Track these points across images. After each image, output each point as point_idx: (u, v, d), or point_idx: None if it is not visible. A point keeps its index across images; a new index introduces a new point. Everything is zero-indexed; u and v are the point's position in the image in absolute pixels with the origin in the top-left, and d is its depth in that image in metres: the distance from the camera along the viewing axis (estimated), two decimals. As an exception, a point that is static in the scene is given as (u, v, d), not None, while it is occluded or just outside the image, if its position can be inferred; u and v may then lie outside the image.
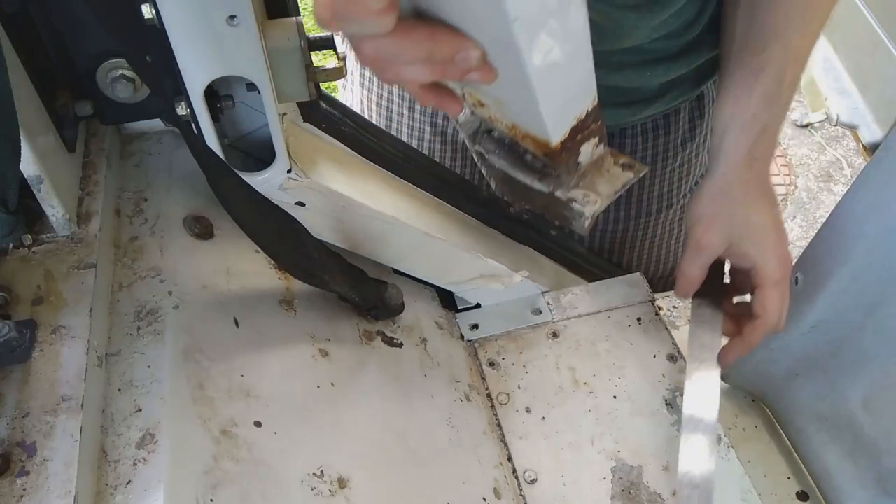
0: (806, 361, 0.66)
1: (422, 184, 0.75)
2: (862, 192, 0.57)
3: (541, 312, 0.82)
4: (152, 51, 0.52)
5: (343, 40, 0.65)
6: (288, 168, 0.62)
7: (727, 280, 0.72)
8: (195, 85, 0.54)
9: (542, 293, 0.83)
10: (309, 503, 0.54)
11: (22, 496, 0.43)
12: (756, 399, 0.75)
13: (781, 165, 2.35)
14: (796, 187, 2.30)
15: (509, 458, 0.71)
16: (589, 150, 0.52)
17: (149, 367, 0.52)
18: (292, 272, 0.65)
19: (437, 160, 0.93)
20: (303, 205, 0.65)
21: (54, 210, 0.56)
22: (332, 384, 0.63)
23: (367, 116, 0.95)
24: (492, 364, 0.78)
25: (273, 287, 0.67)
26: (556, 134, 0.47)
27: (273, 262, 0.68)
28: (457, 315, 0.83)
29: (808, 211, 2.24)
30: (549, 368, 0.77)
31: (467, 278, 0.78)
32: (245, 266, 0.66)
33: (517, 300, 0.82)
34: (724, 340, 0.78)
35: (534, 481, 0.69)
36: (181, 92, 0.54)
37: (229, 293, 0.62)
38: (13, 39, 0.52)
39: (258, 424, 0.55)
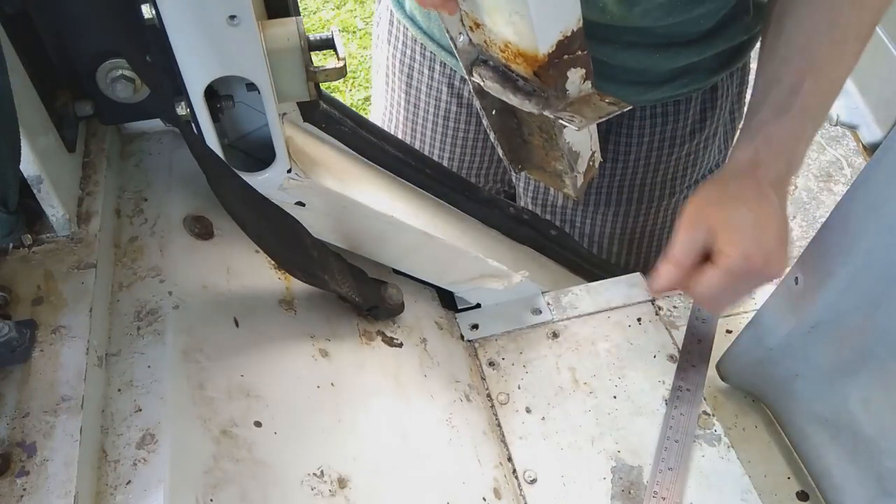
0: (806, 361, 0.66)
1: (421, 184, 0.75)
2: (862, 192, 0.57)
3: (541, 312, 0.82)
4: (152, 51, 0.52)
5: None
6: (288, 168, 0.62)
7: None
8: (195, 85, 0.54)
9: (542, 293, 0.83)
10: (309, 503, 0.54)
11: (22, 496, 0.43)
12: (756, 399, 0.75)
13: (781, 165, 2.36)
14: (796, 187, 2.30)
15: (509, 458, 0.71)
16: (576, 81, 0.55)
17: (149, 367, 0.52)
18: (292, 272, 0.65)
19: (452, 122, 0.94)
20: (303, 205, 0.65)
21: (54, 210, 0.56)
22: (332, 384, 0.63)
23: (389, 73, 0.96)
24: (492, 364, 0.78)
25: (273, 287, 0.67)
26: (543, 43, 0.51)
27: (273, 262, 0.68)
28: (457, 315, 0.83)
29: (808, 211, 2.24)
30: (549, 368, 0.77)
31: (467, 278, 0.78)
32: (245, 266, 0.66)
33: (517, 300, 0.82)
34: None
35: (534, 481, 0.69)
36: (181, 92, 0.54)
37: (229, 293, 0.62)
38: (13, 39, 0.52)
39: (258, 424, 0.55)
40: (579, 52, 0.54)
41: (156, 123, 0.69)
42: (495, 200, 0.80)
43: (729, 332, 0.81)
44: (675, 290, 0.71)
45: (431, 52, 0.89)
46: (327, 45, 0.58)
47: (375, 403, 0.66)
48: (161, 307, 0.56)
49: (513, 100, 0.57)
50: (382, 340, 0.72)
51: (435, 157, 0.98)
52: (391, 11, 0.92)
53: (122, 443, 0.48)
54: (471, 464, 0.68)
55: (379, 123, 1.04)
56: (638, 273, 0.86)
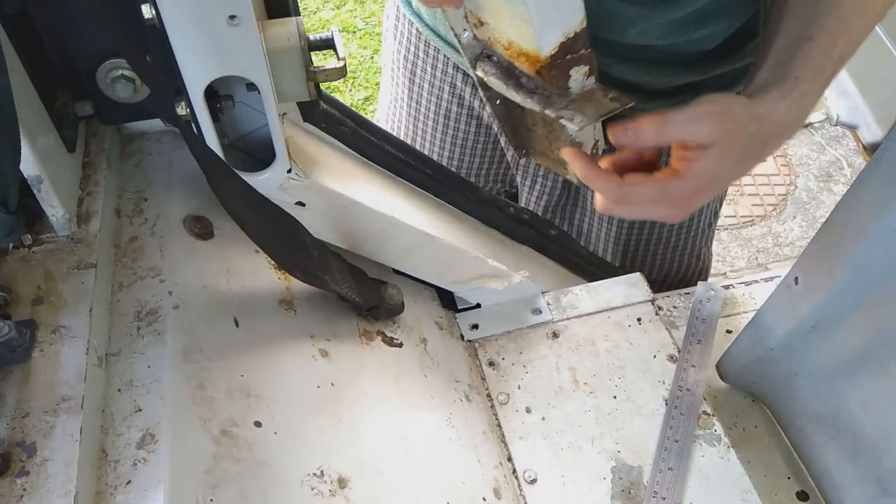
0: (806, 361, 0.66)
1: (422, 184, 0.75)
2: (862, 192, 0.57)
3: (541, 312, 0.82)
4: (152, 51, 0.52)
5: None
6: (288, 168, 0.62)
7: None
8: (195, 85, 0.54)
9: (542, 293, 0.83)
10: (309, 503, 0.54)
11: (22, 496, 0.43)
12: (756, 399, 0.75)
13: (781, 165, 2.35)
14: (796, 187, 2.30)
15: (509, 458, 0.71)
16: (579, 79, 0.55)
17: (149, 367, 0.52)
18: (292, 272, 0.65)
19: (453, 122, 0.94)
20: (303, 205, 0.65)
21: (54, 210, 0.56)
22: (332, 384, 0.63)
23: (394, 67, 0.96)
24: (492, 364, 0.78)
25: (273, 287, 0.67)
26: (546, 45, 0.51)
27: (273, 262, 0.68)
28: (457, 315, 0.83)
29: (808, 211, 2.24)
30: (549, 368, 0.77)
31: (467, 278, 0.78)
32: (245, 266, 0.66)
33: (517, 300, 0.82)
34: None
35: (534, 481, 0.69)
36: (181, 92, 0.54)
37: (229, 293, 0.62)
38: (13, 39, 0.52)
39: (258, 424, 0.55)
40: (582, 51, 0.54)
41: (156, 123, 0.69)
42: (495, 200, 0.80)
43: (729, 332, 0.81)
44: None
45: (435, 50, 0.89)
46: (327, 45, 0.58)
47: (375, 403, 0.66)
48: (161, 307, 0.56)
49: (515, 97, 0.57)
50: (382, 340, 0.72)
51: (435, 155, 0.98)
52: (398, 7, 0.92)
53: (122, 443, 0.48)
54: (471, 464, 0.68)
55: (383, 117, 1.04)
56: (638, 273, 0.86)
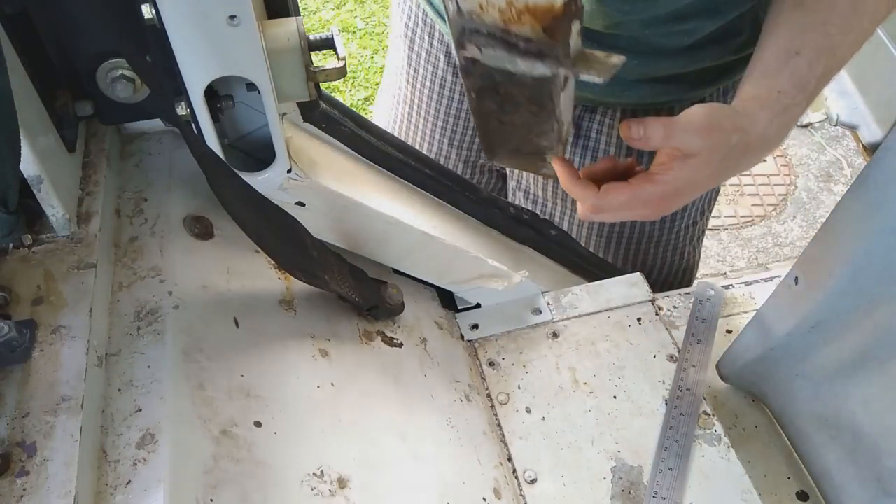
0: (806, 361, 0.66)
1: (422, 184, 0.75)
2: (862, 192, 0.57)
3: (541, 312, 0.82)
4: (152, 51, 0.52)
5: None
6: (288, 168, 0.62)
7: None
8: (195, 85, 0.54)
9: (542, 293, 0.83)
10: (309, 503, 0.54)
11: (22, 496, 0.43)
12: (756, 399, 0.75)
13: (781, 165, 2.35)
14: (796, 187, 2.30)
15: (509, 458, 0.71)
16: (575, 37, 0.52)
17: (149, 367, 0.52)
18: (292, 272, 0.65)
19: (448, 91, 0.94)
20: (303, 205, 0.65)
21: (54, 210, 0.56)
22: (332, 384, 0.63)
23: (396, 35, 0.97)
24: (492, 364, 0.78)
25: (273, 287, 0.67)
26: None
27: (273, 262, 0.68)
28: (457, 315, 0.83)
29: (808, 211, 2.24)
30: (549, 368, 0.77)
31: (467, 278, 0.78)
32: (245, 266, 0.66)
33: (517, 300, 0.82)
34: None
35: (534, 481, 0.69)
36: (181, 92, 0.54)
37: (229, 293, 0.62)
38: (13, 39, 0.52)
39: (258, 424, 0.55)
40: (580, 2, 0.51)
41: (156, 123, 0.69)
42: (495, 200, 0.80)
43: (729, 332, 0.81)
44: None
45: (432, 20, 0.89)
46: (327, 45, 0.58)
47: (375, 403, 0.66)
48: (161, 307, 0.56)
49: (520, 66, 0.54)
50: (382, 340, 0.72)
51: (430, 125, 0.99)
52: None
53: (122, 443, 0.48)
54: (471, 464, 0.68)
55: (386, 83, 1.06)
56: (638, 273, 0.86)
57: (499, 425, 0.73)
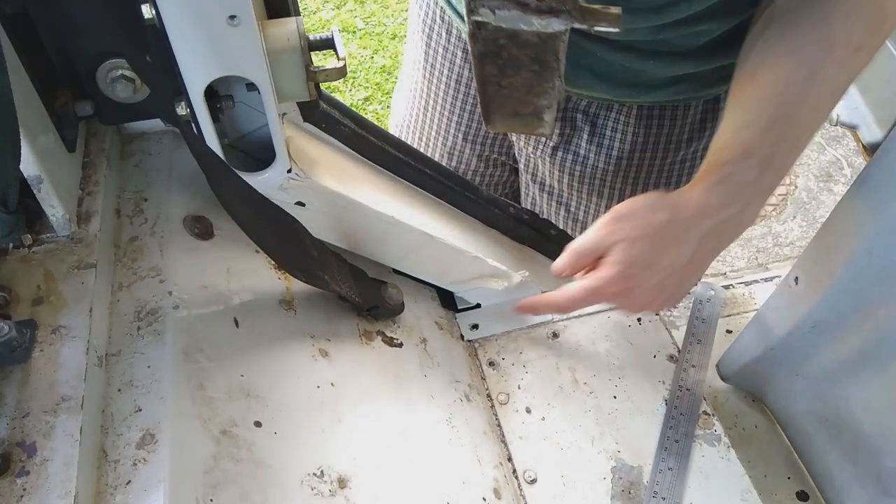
0: (806, 361, 0.66)
1: (422, 184, 0.75)
2: (862, 192, 0.57)
3: (541, 312, 0.82)
4: (152, 51, 0.52)
5: None
6: (288, 168, 0.62)
7: None
8: (195, 85, 0.54)
9: (542, 293, 0.83)
10: (309, 503, 0.54)
11: (22, 496, 0.43)
12: (756, 399, 0.75)
13: (781, 165, 2.35)
14: (796, 187, 2.30)
15: (509, 458, 0.71)
16: None
17: (149, 367, 0.52)
18: (292, 272, 0.65)
19: (464, 87, 0.95)
20: (303, 205, 0.65)
21: (54, 210, 0.56)
22: (332, 384, 0.63)
23: (414, 31, 0.98)
24: (492, 364, 0.78)
25: (273, 287, 0.67)
26: None
27: (273, 262, 0.68)
28: (457, 315, 0.83)
29: (808, 211, 2.24)
30: (549, 368, 0.77)
31: (467, 278, 0.78)
32: (245, 266, 0.66)
33: (517, 300, 0.82)
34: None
35: (534, 481, 0.69)
36: (181, 92, 0.54)
37: (229, 293, 0.62)
38: (13, 39, 0.52)
39: (258, 424, 0.55)
40: None
41: (156, 123, 0.69)
42: (495, 200, 0.80)
43: (729, 332, 0.81)
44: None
45: (450, 17, 0.90)
46: (327, 45, 0.58)
47: (375, 403, 0.66)
48: (161, 307, 0.56)
49: (536, 24, 0.55)
50: (382, 340, 0.72)
51: (445, 119, 1.00)
52: None
53: (122, 443, 0.48)
54: (471, 464, 0.68)
55: (403, 80, 1.07)
56: (638, 273, 0.86)
57: (499, 425, 0.73)
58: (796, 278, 0.64)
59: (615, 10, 0.53)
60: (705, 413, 0.73)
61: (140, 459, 0.47)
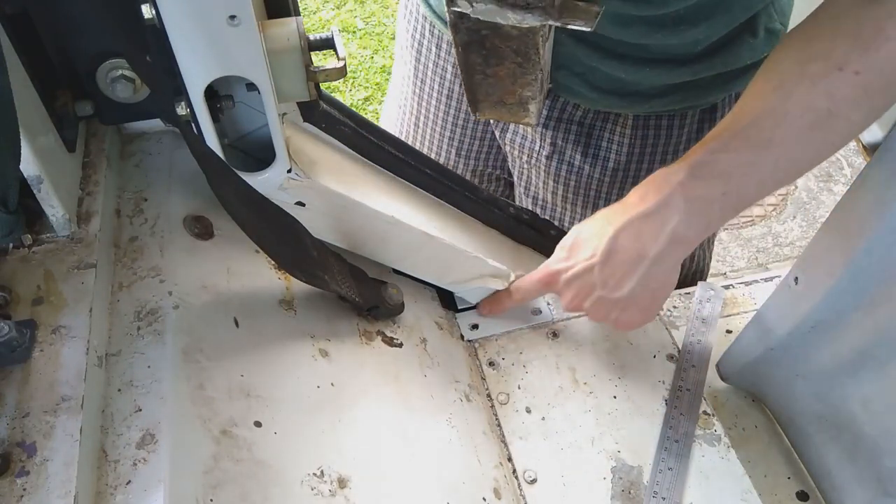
0: (806, 361, 0.66)
1: (422, 184, 0.75)
2: (862, 192, 0.57)
3: (541, 312, 0.82)
4: (152, 51, 0.52)
5: None
6: (288, 168, 0.62)
7: None
8: (195, 85, 0.54)
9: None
10: (309, 503, 0.54)
11: (22, 496, 0.43)
12: (756, 399, 0.75)
13: (781, 165, 2.35)
14: (796, 187, 2.30)
15: (509, 458, 0.71)
16: None
17: (149, 367, 0.52)
18: (292, 272, 0.65)
19: (455, 101, 0.94)
20: (303, 205, 0.65)
21: (54, 210, 0.56)
22: (332, 384, 0.63)
23: (403, 47, 0.98)
24: (492, 364, 0.78)
25: (273, 287, 0.67)
26: None
27: (273, 262, 0.68)
28: (457, 315, 0.83)
29: (808, 211, 2.24)
30: (549, 368, 0.77)
31: (467, 278, 0.78)
32: (245, 266, 0.66)
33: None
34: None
35: (534, 481, 0.69)
36: (181, 92, 0.54)
37: (229, 293, 0.62)
38: (13, 39, 0.52)
39: (258, 424, 0.55)
40: None
41: (156, 123, 0.69)
42: (495, 200, 0.80)
43: (729, 332, 0.81)
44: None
45: (440, 31, 0.89)
46: (327, 45, 0.58)
47: (375, 403, 0.66)
48: (161, 307, 0.56)
49: (511, 18, 0.55)
50: (382, 340, 0.72)
51: (437, 134, 0.99)
52: None
53: (122, 443, 0.48)
54: (471, 464, 0.68)
55: (392, 96, 1.06)
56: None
57: (499, 425, 0.73)
58: (796, 278, 0.64)
59: (595, 8, 0.53)
60: (705, 413, 0.73)
61: (140, 459, 0.47)
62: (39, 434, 0.46)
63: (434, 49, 0.92)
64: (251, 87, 0.55)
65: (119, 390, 0.51)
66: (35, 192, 0.54)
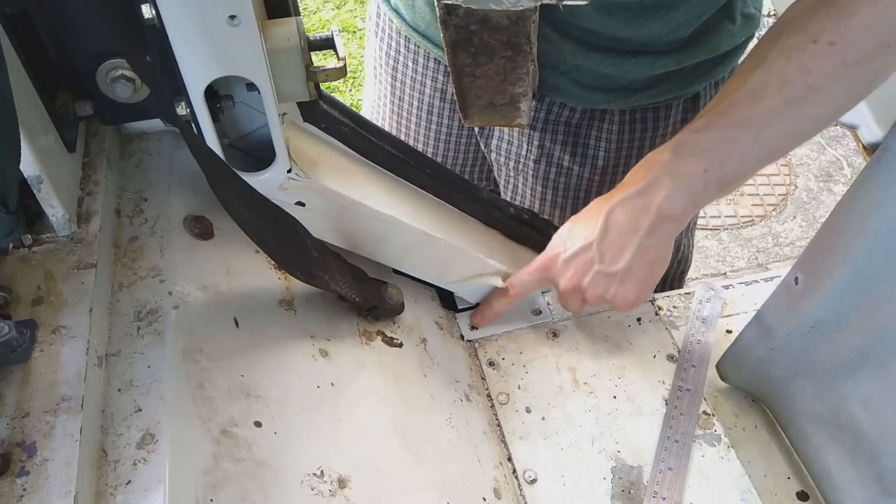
0: (806, 361, 0.66)
1: (422, 184, 0.75)
2: (862, 192, 0.57)
3: (541, 312, 0.82)
4: (152, 51, 0.52)
5: None
6: (288, 168, 0.62)
7: None
8: (195, 85, 0.54)
9: (542, 293, 0.83)
10: (309, 503, 0.54)
11: (22, 496, 0.43)
12: (756, 399, 0.75)
13: (781, 165, 2.35)
14: (796, 187, 2.30)
15: (509, 458, 0.71)
16: None
17: (149, 367, 0.52)
18: (292, 272, 0.65)
19: (436, 117, 0.94)
20: (303, 205, 0.65)
21: (54, 210, 0.56)
22: (332, 384, 0.63)
23: (376, 65, 0.97)
24: (492, 364, 0.78)
25: (273, 287, 0.67)
26: None
27: (273, 262, 0.68)
28: (457, 315, 0.83)
29: (808, 211, 2.24)
30: (549, 368, 0.77)
31: (467, 278, 0.78)
32: (245, 266, 0.66)
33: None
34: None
35: (534, 481, 0.69)
36: (181, 92, 0.54)
37: (229, 293, 0.62)
38: (13, 39, 0.52)
39: (258, 424, 0.55)
40: None
41: (156, 123, 0.69)
42: (495, 200, 0.80)
43: (729, 332, 0.81)
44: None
45: (416, 45, 0.89)
46: (327, 45, 0.58)
47: (375, 403, 0.66)
48: (161, 307, 0.56)
49: (506, 2, 0.55)
50: (382, 340, 0.72)
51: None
52: (378, 4, 0.93)
53: (122, 443, 0.48)
54: (471, 464, 0.68)
55: (368, 116, 1.04)
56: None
57: (499, 425, 0.73)
58: (796, 278, 0.64)
59: None
60: (705, 413, 0.73)
61: (140, 459, 0.47)
62: (39, 434, 0.46)
63: (410, 65, 0.91)
64: (251, 87, 0.55)
65: (119, 390, 0.51)
66: (35, 192, 0.54)
